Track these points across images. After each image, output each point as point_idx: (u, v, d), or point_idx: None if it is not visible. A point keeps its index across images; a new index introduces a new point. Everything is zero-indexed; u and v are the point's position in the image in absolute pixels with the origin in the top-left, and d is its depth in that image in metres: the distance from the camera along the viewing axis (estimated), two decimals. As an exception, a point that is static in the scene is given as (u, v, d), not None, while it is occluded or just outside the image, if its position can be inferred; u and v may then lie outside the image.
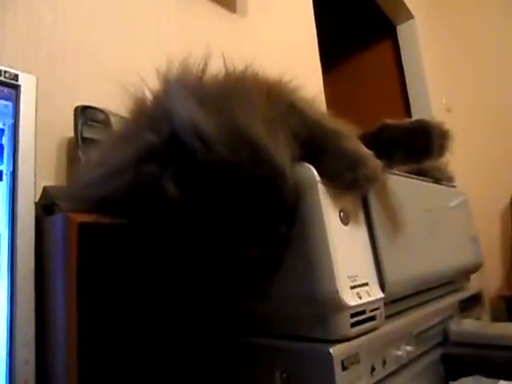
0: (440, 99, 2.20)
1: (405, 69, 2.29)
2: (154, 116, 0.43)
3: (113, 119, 0.63)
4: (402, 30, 2.34)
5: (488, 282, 2.00)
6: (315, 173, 0.45)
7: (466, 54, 2.54)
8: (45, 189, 0.53)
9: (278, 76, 0.53)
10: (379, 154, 0.47)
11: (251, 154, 0.39)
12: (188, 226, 0.37)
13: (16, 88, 0.44)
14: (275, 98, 0.47)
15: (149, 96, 0.46)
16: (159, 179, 0.37)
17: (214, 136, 0.38)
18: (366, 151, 0.46)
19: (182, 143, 0.38)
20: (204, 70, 0.47)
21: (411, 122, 0.60)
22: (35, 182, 0.41)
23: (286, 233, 0.42)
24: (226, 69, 0.49)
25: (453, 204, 0.78)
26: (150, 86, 0.46)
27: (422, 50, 2.26)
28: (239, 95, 0.44)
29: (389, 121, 0.59)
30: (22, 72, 0.44)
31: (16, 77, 0.44)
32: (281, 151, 0.41)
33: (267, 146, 0.40)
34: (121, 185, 0.39)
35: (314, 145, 0.46)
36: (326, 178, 0.45)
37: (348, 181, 0.44)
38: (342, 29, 2.37)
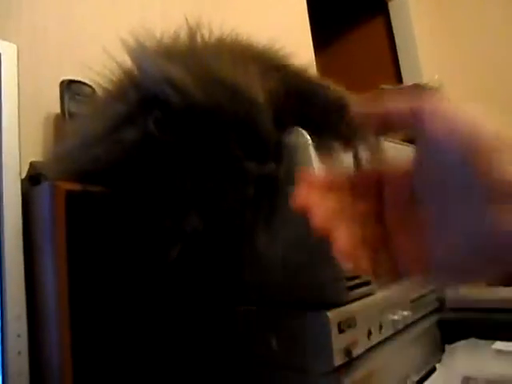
0: (433, 75, 2.19)
1: (397, 45, 2.26)
2: (121, 85, 0.43)
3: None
4: (394, 6, 2.30)
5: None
6: (307, 136, 0.44)
7: (458, 28, 2.52)
8: (32, 164, 0.52)
9: (267, 43, 0.51)
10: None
11: (225, 93, 0.38)
12: (177, 174, 0.37)
13: (-4, 56, 0.42)
14: (263, 60, 0.47)
15: (117, 68, 0.45)
16: (142, 129, 0.37)
17: (186, 81, 0.38)
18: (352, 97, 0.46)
19: (155, 97, 0.38)
20: (176, 37, 0.47)
21: (408, 87, 0.59)
22: (20, 150, 0.40)
23: (275, 171, 0.41)
24: (204, 36, 0.48)
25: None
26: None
27: (415, 26, 2.23)
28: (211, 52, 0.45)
29: (385, 86, 0.58)
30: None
31: (-5, 45, 0.42)
32: (254, 86, 0.41)
33: (240, 83, 0.40)
34: (96, 155, 0.39)
35: (302, 98, 0.46)
36: (317, 131, 0.45)
37: (338, 128, 0.44)
38: (333, 6, 2.34)
